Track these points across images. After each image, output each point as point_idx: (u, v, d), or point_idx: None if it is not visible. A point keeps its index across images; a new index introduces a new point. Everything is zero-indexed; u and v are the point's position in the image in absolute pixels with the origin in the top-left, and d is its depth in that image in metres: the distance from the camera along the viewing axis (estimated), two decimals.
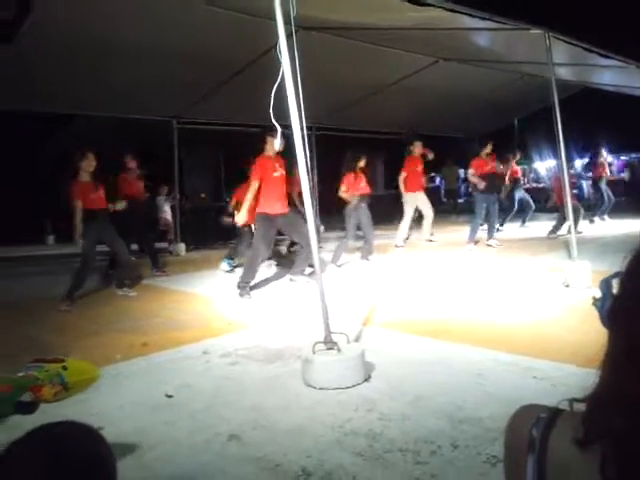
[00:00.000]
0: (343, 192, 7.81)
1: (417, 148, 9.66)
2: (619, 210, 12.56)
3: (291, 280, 6.76)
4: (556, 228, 10.13)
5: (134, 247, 8.53)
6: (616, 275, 0.71)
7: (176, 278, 7.76)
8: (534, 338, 4.00)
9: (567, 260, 6.09)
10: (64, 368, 2.06)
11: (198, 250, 11.17)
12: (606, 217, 12.31)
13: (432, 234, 10.25)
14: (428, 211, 9.79)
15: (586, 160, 16.35)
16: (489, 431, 2.51)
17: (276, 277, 7.28)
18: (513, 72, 9.53)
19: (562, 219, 9.89)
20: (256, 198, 6.22)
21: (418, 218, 10.28)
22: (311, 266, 6.34)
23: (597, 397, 0.69)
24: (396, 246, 9.62)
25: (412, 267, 7.69)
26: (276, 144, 5.95)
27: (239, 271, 6.88)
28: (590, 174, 13.55)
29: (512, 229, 11.98)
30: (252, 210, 6.47)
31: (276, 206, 6.23)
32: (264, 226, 6.22)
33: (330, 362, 3.27)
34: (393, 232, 10.09)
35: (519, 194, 12.27)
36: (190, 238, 11.41)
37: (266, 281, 6.99)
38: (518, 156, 12.48)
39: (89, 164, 6.31)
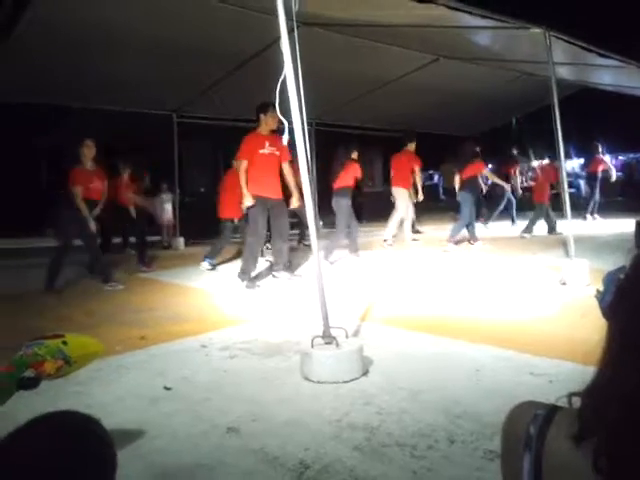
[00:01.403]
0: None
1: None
2: (616, 209, 12.60)
3: (274, 277, 6.70)
4: (529, 227, 10.29)
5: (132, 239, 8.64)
6: (621, 270, 0.72)
7: (175, 272, 7.77)
8: (532, 335, 4.03)
9: (565, 258, 6.12)
10: (64, 343, 2.04)
11: (197, 244, 11.17)
12: (596, 216, 12.34)
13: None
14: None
15: (582, 160, 16.45)
16: (486, 427, 2.53)
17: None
18: (513, 71, 9.54)
19: (536, 217, 10.08)
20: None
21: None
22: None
23: (592, 391, 0.70)
24: (385, 241, 9.53)
25: (410, 263, 7.71)
26: (271, 122, 6.00)
27: (222, 268, 6.80)
28: (585, 171, 13.63)
29: (507, 228, 12.05)
30: (235, 204, 6.41)
31: (266, 188, 6.09)
32: (255, 210, 6.10)
33: (329, 356, 3.29)
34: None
35: (508, 193, 12.35)
36: (189, 232, 11.42)
37: (264, 275, 7.00)
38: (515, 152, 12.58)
39: (89, 151, 6.41)
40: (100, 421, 1.14)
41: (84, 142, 6.43)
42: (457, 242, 9.20)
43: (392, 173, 9.40)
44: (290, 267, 6.72)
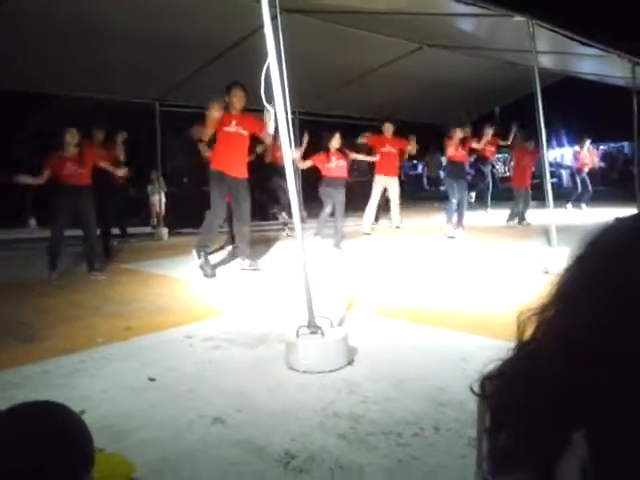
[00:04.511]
0: (301, 162, 7.78)
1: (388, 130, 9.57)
2: (598, 199, 12.72)
3: (239, 262, 6.61)
4: (512, 214, 10.36)
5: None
6: None
7: (159, 262, 7.71)
8: (515, 324, 4.05)
9: (547, 246, 6.17)
10: None
11: (180, 235, 11.11)
12: (583, 206, 12.44)
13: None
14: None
15: (568, 150, 16.56)
16: (471, 414, 2.51)
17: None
18: (496, 59, 9.55)
19: (515, 205, 10.15)
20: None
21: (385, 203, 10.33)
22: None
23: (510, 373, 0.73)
24: (365, 233, 9.49)
25: (394, 253, 7.72)
26: (236, 101, 5.93)
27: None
28: (573, 164, 13.72)
29: (486, 215, 12.16)
30: None
31: (228, 165, 6.02)
32: (213, 184, 6.07)
33: (314, 346, 3.30)
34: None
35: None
36: (172, 223, 11.34)
37: (227, 261, 6.98)
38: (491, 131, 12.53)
39: (71, 138, 6.38)
40: (82, 413, 1.13)
41: (67, 129, 6.41)
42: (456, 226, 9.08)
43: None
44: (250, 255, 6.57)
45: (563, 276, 0.71)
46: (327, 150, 7.92)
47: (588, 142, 12.75)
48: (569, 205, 12.35)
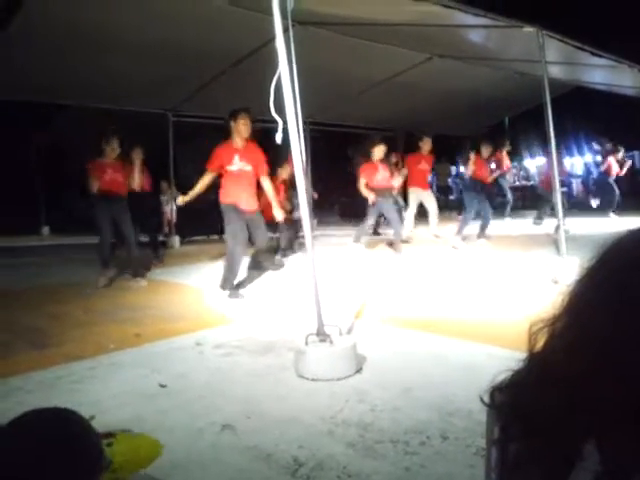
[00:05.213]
0: (362, 186, 7.80)
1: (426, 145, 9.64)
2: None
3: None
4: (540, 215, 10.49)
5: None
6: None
7: (170, 270, 7.77)
8: (524, 333, 4.04)
9: (556, 256, 6.15)
10: (109, 445, 1.93)
11: (192, 243, 11.19)
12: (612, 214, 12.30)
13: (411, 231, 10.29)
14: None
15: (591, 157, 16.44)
16: (479, 424, 2.54)
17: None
18: (506, 70, 9.57)
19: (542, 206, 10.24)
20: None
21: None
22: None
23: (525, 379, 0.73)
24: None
25: (403, 262, 7.73)
26: (243, 129, 5.59)
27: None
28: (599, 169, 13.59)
29: (500, 224, 12.12)
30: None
31: (239, 200, 5.65)
32: (229, 215, 5.68)
33: (322, 354, 3.31)
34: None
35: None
36: (185, 231, 11.42)
37: (258, 273, 7.00)
38: (507, 147, 12.60)
39: (112, 149, 6.63)
40: (92, 419, 1.15)
41: (109, 139, 6.63)
42: (464, 238, 9.08)
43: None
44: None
45: (574, 288, 0.71)
46: (370, 160, 7.93)
47: (611, 147, 12.66)
48: (613, 214, 12.20)
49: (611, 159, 12.51)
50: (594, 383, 0.62)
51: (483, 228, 9.27)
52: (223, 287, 5.74)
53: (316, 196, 10.35)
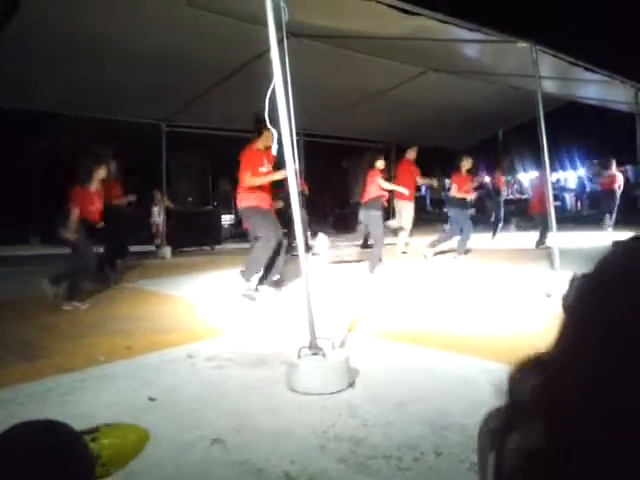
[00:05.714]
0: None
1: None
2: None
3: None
4: (542, 238, 10.29)
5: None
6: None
7: (161, 281, 7.73)
8: (517, 348, 4.02)
9: (550, 270, 6.17)
10: (93, 440, 1.89)
11: (184, 254, 11.16)
12: (609, 229, 12.31)
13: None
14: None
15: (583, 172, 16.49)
16: (472, 439, 2.50)
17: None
18: (500, 84, 9.64)
19: (544, 228, 10.08)
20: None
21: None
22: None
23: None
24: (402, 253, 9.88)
25: (396, 275, 7.72)
26: (270, 139, 5.55)
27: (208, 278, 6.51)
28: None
29: (492, 240, 12.13)
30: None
31: (264, 201, 6.17)
32: (261, 217, 6.12)
33: (315, 367, 3.28)
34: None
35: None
36: (176, 242, 11.39)
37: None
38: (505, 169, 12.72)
39: (105, 172, 6.40)
40: (78, 431, 1.13)
41: (101, 163, 6.32)
42: (466, 252, 9.24)
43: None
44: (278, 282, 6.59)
45: (564, 309, 0.68)
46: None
47: (614, 163, 12.65)
48: (610, 229, 12.19)
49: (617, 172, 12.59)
50: (583, 415, 0.58)
51: (462, 242, 9.25)
52: (244, 278, 6.09)
53: (307, 191, 10.28)
